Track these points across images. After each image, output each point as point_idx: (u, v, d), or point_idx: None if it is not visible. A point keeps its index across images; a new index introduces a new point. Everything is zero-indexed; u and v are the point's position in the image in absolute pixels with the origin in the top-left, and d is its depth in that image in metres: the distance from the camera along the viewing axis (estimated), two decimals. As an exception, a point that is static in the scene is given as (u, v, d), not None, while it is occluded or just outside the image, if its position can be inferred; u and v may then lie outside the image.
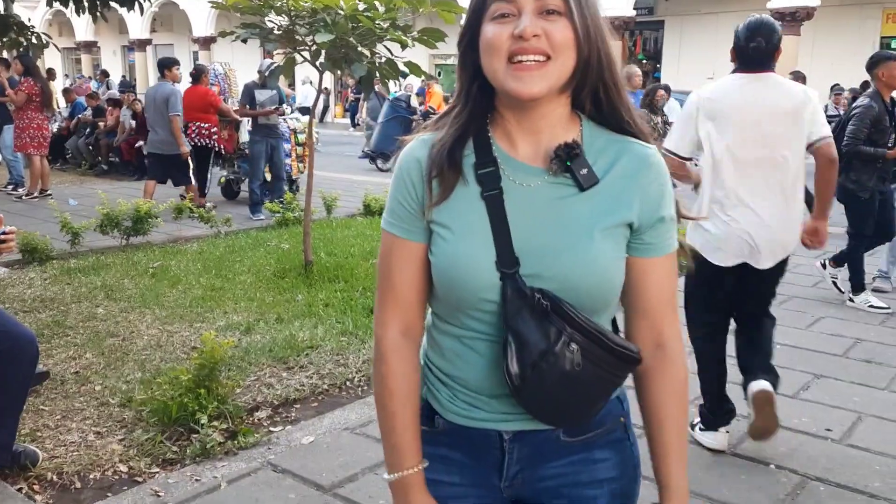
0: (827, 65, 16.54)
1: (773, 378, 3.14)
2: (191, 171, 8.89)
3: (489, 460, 1.22)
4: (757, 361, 3.20)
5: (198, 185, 9.11)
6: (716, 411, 3.25)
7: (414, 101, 15.51)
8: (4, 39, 8.35)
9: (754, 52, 3.06)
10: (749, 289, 3.19)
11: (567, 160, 1.13)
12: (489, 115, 1.20)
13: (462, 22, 1.18)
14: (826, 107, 11.06)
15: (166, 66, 8.63)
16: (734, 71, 3.15)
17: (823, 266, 5.72)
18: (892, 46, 17.90)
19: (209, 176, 9.57)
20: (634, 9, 18.67)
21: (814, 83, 14.67)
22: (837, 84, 12.56)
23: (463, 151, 1.17)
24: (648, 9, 20.49)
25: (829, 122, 3.51)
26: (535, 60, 1.08)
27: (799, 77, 7.44)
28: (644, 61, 22.27)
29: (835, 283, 5.62)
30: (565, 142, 1.14)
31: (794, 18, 16.04)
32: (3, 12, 8.49)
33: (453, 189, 1.15)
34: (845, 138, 5.10)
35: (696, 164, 3.20)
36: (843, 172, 4.97)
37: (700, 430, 3.27)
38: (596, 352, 1.10)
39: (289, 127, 9.95)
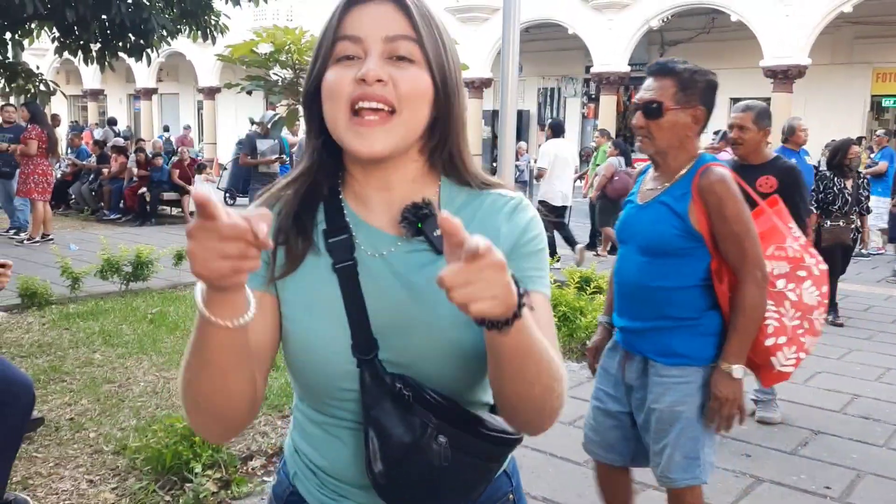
0: (819, 121, 16.81)
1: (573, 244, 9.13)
2: None
3: None
4: (567, 241, 9.17)
5: None
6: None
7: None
8: (13, 85, 8.53)
9: (560, 131, 9.45)
10: (565, 214, 9.27)
11: (417, 222, 0.99)
12: (340, 173, 1.06)
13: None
14: (819, 162, 11.18)
15: None
16: (553, 137, 9.34)
17: None
18: (884, 105, 18.26)
19: None
20: (630, 64, 19.08)
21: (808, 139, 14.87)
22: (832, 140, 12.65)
23: (314, 216, 1.03)
24: (643, 64, 20.93)
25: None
26: (377, 109, 0.95)
27: (604, 133, 12.32)
28: (640, 116, 22.63)
29: None
30: (413, 202, 1.00)
31: (787, 76, 16.37)
32: (11, 59, 8.69)
33: (302, 260, 1.01)
34: None
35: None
36: None
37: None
38: (468, 441, 0.98)
39: None
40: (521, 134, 17.42)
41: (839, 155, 6.77)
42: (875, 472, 3.54)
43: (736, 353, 2.13)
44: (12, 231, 10.01)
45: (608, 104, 19.45)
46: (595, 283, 6.25)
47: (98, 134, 18.68)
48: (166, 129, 24.50)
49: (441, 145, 1.03)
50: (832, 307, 6.52)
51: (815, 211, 6.17)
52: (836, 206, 6.42)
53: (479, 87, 21.36)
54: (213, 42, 7.50)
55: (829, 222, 6.42)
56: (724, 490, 3.28)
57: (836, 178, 6.57)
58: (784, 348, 2.25)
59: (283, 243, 1.02)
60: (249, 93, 5.43)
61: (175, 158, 13.13)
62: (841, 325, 6.47)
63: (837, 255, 6.42)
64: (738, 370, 2.13)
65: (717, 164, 2.21)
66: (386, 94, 0.95)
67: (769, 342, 2.23)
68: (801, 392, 4.67)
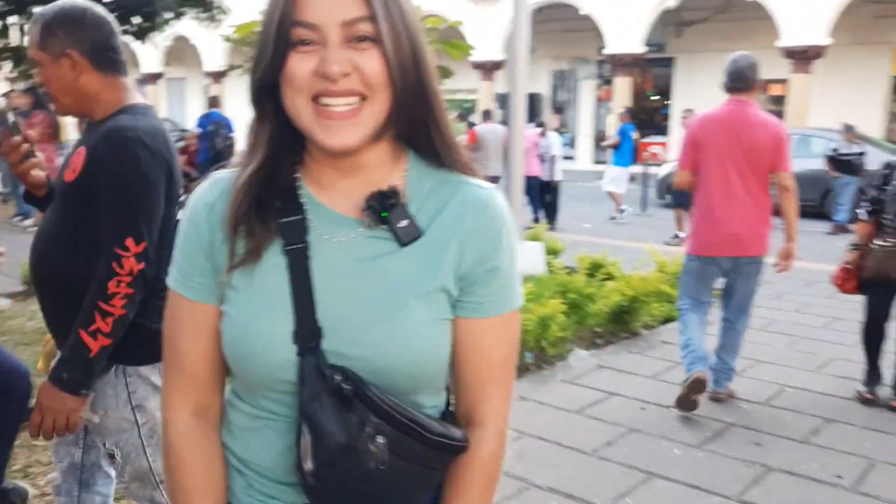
0: (838, 103, 16.56)
1: None
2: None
3: None
4: None
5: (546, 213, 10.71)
6: None
7: None
8: (18, 70, 8.53)
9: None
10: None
11: (382, 211, 0.95)
12: (298, 153, 0.99)
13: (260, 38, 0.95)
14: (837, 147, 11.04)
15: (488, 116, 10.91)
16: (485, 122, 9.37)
17: None
18: (904, 85, 17.94)
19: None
20: (645, 45, 18.84)
21: (826, 120, 14.68)
22: (846, 123, 12.39)
23: (274, 203, 0.97)
24: (659, 45, 20.64)
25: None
26: (346, 105, 0.90)
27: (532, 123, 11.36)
28: (653, 98, 22.42)
29: None
30: (379, 190, 0.96)
31: (805, 57, 16.10)
32: (18, 44, 8.69)
33: (264, 250, 0.95)
34: None
35: None
36: None
37: None
38: (408, 444, 0.92)
39: None
40: (534, 117, 17.24)
41: None
42: (888, 460, 3.45)
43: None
44: (18, 217, 10.02)
45: (623, 86, 19.20)
46: (605, 268, 6.16)
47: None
48: None
49: (411, 124, 0.97)
50: (875, 374, 4.30)
51: (867, 219, 4.14)
52: (890, 216, 4.05)
53: (490, 69, 21.19)
54: (218, 24, 7.45)
55: (879, 241, 4.04)
56: (734, 479, 3.22)
57: None
58: None
59: (246, 235, 0.95)
60: (251, 75, 5.37)
61: (181, 144, 13.10)
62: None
63: (883, 297, 4.18)
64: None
65: None
66: (353, 86, 0.89)
67: None
68: (814, 380, 4.57)
